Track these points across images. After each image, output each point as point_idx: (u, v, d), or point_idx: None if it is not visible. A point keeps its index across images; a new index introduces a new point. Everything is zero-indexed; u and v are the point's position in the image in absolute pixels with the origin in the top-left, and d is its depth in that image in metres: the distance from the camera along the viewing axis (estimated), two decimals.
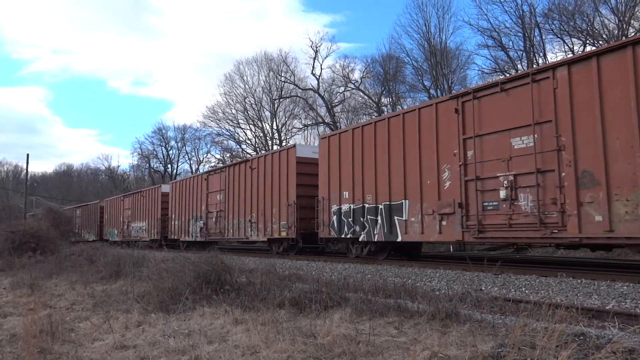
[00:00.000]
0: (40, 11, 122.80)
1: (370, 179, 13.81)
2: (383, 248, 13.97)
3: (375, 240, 13.48)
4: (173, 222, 26.66)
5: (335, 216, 14.93)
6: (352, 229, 14.25)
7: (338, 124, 38.60)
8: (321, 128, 40.73)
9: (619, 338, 3.80)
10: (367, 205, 13.81)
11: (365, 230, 13.78)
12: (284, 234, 17.42)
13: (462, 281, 9.28)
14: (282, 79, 44.55)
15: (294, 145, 17.70)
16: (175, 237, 26.17)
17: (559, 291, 7.74)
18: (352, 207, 14.33)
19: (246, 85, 46.87)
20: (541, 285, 8.24)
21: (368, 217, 13.70)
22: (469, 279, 9.39)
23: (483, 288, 8.48)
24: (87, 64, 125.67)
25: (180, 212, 25.94)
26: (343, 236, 14.70)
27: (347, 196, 14.56)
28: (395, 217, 12.88)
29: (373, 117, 34.21)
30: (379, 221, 13.32)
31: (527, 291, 8.00)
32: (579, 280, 8.35)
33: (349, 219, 14.37)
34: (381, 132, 13.64)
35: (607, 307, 6.43)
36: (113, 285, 9.84)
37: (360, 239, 13.99)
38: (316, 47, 41.99)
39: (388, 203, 13.08)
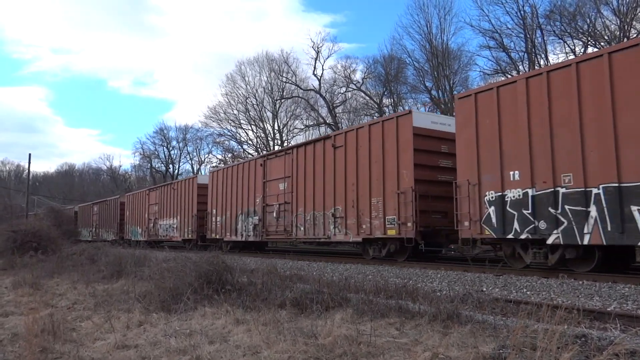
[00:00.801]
0: (40, 11, 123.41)
1: (568, 149, 9.31)
2: (592, 254, 9.38)
3: (587, 242, 8.89)
4: (214, 219, 22.44)
5: (493, 207, 10.52)
6: (532, 226, 9.76)
7: (339, 125, 38.61)
8: (322, 129, 40.77)
9: (620, 340, 3.79)
10: (563, 190, 9.33)
11: (562, 228, 9.23)
12: (392, 233, 13.05)
13: (464, 282, 9.28)
14: (284, 79, 44.67)
15: (410, 112, 13.21)
16: (217, 236, 21.77)
17: (560, 292, 7.73)
18: (529, 194, 9.86)
19: (248, 86, 47.00)
20: (542, 287, 8.23)
21: (566, 207, 9.23)
22: (470, 280, 9.38)
23: (484, 289, 8.48)
24: (87, 63, 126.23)
25: (224, 206, 21.65)
26: (510, 236, 10.22)
27: (516, 177, 10.15)
28: (635, 207, 8.24)
29: (375, 117, 34.23)
30: (593, 214, 8.80)
31: (528, 292, 8.00)
32: (580, 282, 8.34)
33: (525, 211, 9.91)
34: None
35: (608, 309, 6.42)
36: (114, 285, 9.85)
37: (549, 241, 9.46)
38: (318, 48, 42.09)
39: (616, 184, 8.49)
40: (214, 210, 22.50)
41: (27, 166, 51.29)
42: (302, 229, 16.44)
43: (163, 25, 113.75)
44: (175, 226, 26.53)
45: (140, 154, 65.42)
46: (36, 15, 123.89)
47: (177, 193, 26.52)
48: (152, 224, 29.55)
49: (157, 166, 64.79)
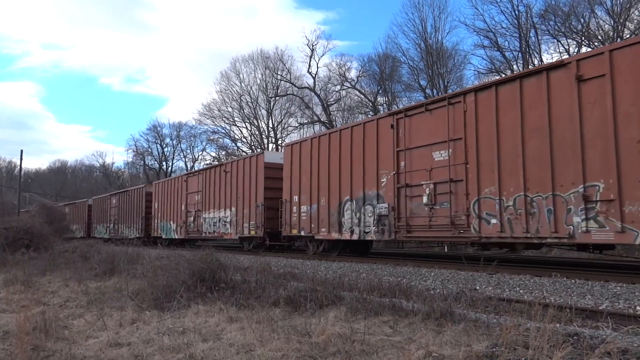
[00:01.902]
0: (29, 6, 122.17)
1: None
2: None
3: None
4: (295, 209, 16.63)
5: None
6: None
7: (334, 123, 38.60)
8: (317, 127, 40.75)
9: (612, 338, 3.82)
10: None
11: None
12: None
13: (457, 280, 9.30)
14: (278, 77, 44.57)
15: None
16: (302, 233, 16.21)
17: (553, 291, 7.77)
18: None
19: (242, 83, 46.84)
20: (535, 285, 8.27)
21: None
22: (464, 279, 9.41)
23: (477, 288, 8.51)
24: (78, 59, 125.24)
25: (314, 191, 15.68)
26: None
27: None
28: None
29: (369, 115, 34.26)
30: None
31: (521, 291, 8.03)
32: (572, 281, 8.39)
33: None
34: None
35: (600, 308, 6.46)
36: (107, 283, 9.81)
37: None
38: (312, 46, 42.02)
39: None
40: (296, 197, 16.62)
41: (18, 163, 50.94)
42: (495, 221, 10.36)
43: (155, 22, 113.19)
44: (228, 220, 20.78)
45: (134, 151, 65.09)
46: (26, 10, 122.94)
47: (231, 177, 20.76)
48: (191, 218, 23.91)
49: (150, 163, 64.56)
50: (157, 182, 29.76)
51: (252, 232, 18.96)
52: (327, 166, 15.32)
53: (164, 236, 27.00)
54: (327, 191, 15.16)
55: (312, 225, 15.76)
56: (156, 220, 28.21)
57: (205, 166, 27.58)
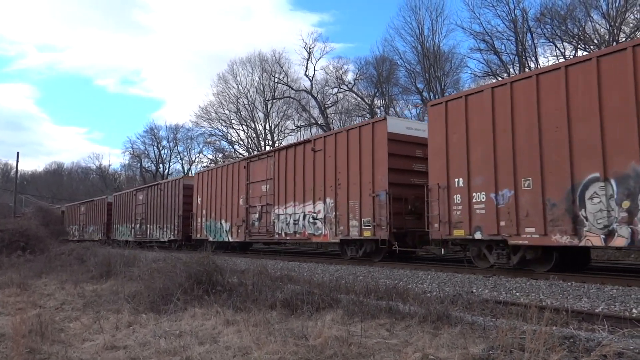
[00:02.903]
0: (23, 7, 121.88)
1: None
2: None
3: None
4: (461, 198, 11.12)
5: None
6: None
7: (331, 126, 38.64)
8: (314, 129, 40.79)
9: (608, 341, 3.83)
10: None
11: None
12: None
13: (454, 283, 9.32)
14: (276, 79, 44.58)
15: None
16: (486, 236, 10.55)
17: (549, 294, 7.79)
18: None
19: (239, 86, 46.85)
20: (532, 288, 8.29)
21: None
22: (460, 281, 9.43)
23: (474, 290, 8.52)
24: (73, 61, 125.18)
25: (505, 171, 10.27)
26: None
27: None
28: None
29: (366, 118, 34.32)
30: None
31: (517, 294, 8.05)
32: (569, 283, 8.41)
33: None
34: None
35: (596, 310, 6.49)
36: (103, 285, 9.78)
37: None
38: (309, 49, 42.07)
39: None
40: (459, 180, 11.10)
41: (14, 164, 50.75)
42: None
43: (150, 23, 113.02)
44: (319, 216, 15.46)
45: (130, 154, 65.02)
46: (19, 12, 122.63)
47: (325, 156, 15.33)
48: (255, 215, 18.69)
49: (147, 166, 64.49)
50: (201, 172, 24.52)
51: (367, 233, 13.57)
52: (537, 124, 9.68)
53: (211, 239, 21.41)
54: (537, 168, 9.60)
55: (503, 223, 10.15)
56: (199, 219, 22.88)
57: (280, 145, 21.39)
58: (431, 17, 33.87)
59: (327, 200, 15.10)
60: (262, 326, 5.42)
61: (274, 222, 17.55)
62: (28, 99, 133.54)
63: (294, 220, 16.61)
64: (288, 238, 17.21)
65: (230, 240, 20.47)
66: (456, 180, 11.24)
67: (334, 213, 14.79)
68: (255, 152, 34.40)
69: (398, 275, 10.81)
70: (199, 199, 23.23)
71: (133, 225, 30.38)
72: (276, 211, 17.49)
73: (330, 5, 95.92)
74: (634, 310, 6.49)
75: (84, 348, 5.31)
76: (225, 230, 20.79)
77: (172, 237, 25.24)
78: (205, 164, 52.23)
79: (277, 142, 44.42)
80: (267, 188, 18.16)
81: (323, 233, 15.31)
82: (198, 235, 23.00)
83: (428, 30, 33.85)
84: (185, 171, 57.40)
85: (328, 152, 15.28)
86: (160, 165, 62.97)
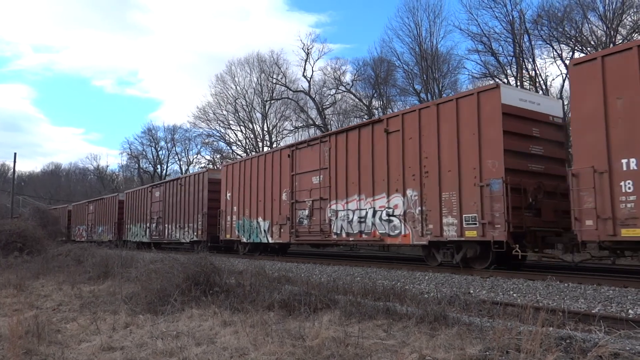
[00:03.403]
0: (20, 7, 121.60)
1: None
2: None
3: None
4: None
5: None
6: None
7: (329, 127, 38.66)
8: (312, 130, 40.80)
9: (604, 342, 3.84)
10: None
11: None
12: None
13: (451, 284, 9.33)
14: (274, 80, 44.59)
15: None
16: None
17: (546, 295, 7.81)
18: None
19: (237, 87, 46.84)
20: (529, 289, 8.30)
21: None
22: (458, 282, 9.44)
23: (471, 291, 8.54)
24: (70, 62, 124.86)
25: None
26: None
27: None
28: None
29: (364, 119, 34.34)
30: None
31: (514, 294, 8.06)
32: (565, 284, 8.43)
33: None
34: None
35: (593, 311, 6.50)
36: (101, 286, 9.76)
37: None
38: (307, 50, 42.10)
39: None
40: (630, 162, 8.44)
41: (11, 165, 50.59)
42: None
43: (147, 23, 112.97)
44: (397, 212, 12.59)
45: (128, 154, 64.94)
46: (16, 12, 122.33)
47: (403, 138, 12.61)
48: (305, 212, 15.92)
49: (144, 166, 64.42)
50: (231, 163, 21.31)
51: (471, 234, 10.79)
52: None
53: (244, 239, 19.02)
54: None
55: None
56: (230, 218, 20.09)
57: (334, 130, 18.96)
58: (429, 18, 33.97)
59: (408, 192, 12.24)
60: (260, 327, 5.42)
61: (330, 220, 14.74)
62: (25, 99, 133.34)
63: (359, 218, 13.67)
64: (351, 239, 14.20)
65: (270, 241, 17.62)
66: (624, 161, 8.28)
67: (418, 208, 11.90)
68: (303, 138, 29.21)
69: (395, 276, 10.82)
70: (229, 194, 20.28)
71: (148, 225, 27.67)
72: (333, 207, 14.61)
73: (327, 6, 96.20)
74: (630, 311, 6.51)
75: (81, 349, 5.30)
76: (263, 230, 17.92)
77: (194, 238, 22.51)
78: (202, 165, 52.23)
79: (275, 142, 44.45)
80: (321, 179, 15.32)
81: (402, 233, 12.36)
82: (227, 236, 20.20)
83: (426, 31, 33.95)
84: (184, 172, 57.29)
85: (408, 133, 12.42)
86: (158, 166, 62.96)
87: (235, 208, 19.86)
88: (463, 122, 11.14)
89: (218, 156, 49.53)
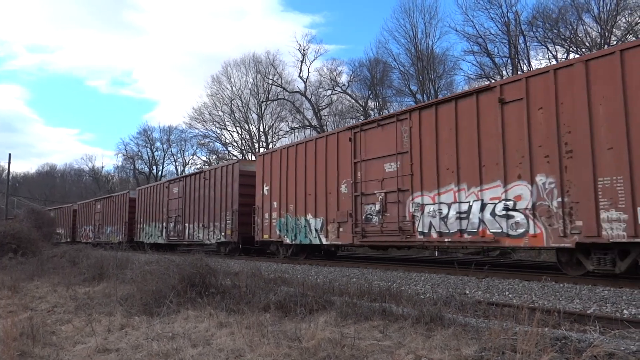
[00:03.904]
0: (13, 7, 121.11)
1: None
2: None
3: None
4: None
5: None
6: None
7: (325, 127, 38.67)
8: (307, 131, 40.80)
9: (599, 342, 3.86)
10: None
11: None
12: None
13: (447, 285, 9.34)
14: (270, 81, 44.60)
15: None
16: None
17: (541, 295, 7.83)
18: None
19: (233, 87, 46.83)
20: (524, 290, 8.33)
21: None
22: (454, 283, 9.45)
23: (467, 292, 8.55)
24: (63, 61, 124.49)
25: None
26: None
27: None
28: None
29: (360, 120, 34.37)
30: None
31: (510, 295, 8.08)
32: (561, 285, 8.45)
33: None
34: None
35: (588, 311, 6.53)
36: (96, 288, 9.73)
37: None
38: (304, 51, 42.12)
39: None
40: None
41: (5, 166, 50.33)
42: None
43: (142, 23, 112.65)
44: (522, 206, 9.87)
45: (124, 155, 64.76)
46: (9, 12, 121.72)
47: (523, 111, 9.95)
48: (374, 207, 13.30)
49: (140, 167, 64.28)
50: (268, 152, 17.89)
51: None
52: None
53: (288, 240, 16.04)
54: None
55: None
56: (268, 215, 17.22)
57: (415, 105, 16.48)
58: (425, 19, 34.03)
59: (539, 179, 9.55)
60: (256, 328, 5.41)
61: (413, 217, 12.05)
62: (18, 100, 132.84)
63: (459, 213, 10.98)
64: (447, 240, 11.28)
65: (324, 242, 14.70)
66: None
67: (557, 200, 9.20)
68: (364, 119, 27.21)
69: (391, 277, 10.82)
70: (266, 188, 17.41)
71: (165, 224, 24.98)
72: (417, 200, 11.99)
73: (322, 6, 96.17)
74: (625, 312, 6.53)
75: (76, 351, 5.28)
76: (315, 229, 14.99)
77: (222, 239, 19.92)
78: (198, 166, 52.13)
79: (271, 143, 44.42)
80: (397, 166, 12.63)
81: (530, 232, 9.64)
82: (265, 236, 17.30)
83: (422, 32, 34.01)
84: (179, 173, 57.12)
85: (537, 102, 9.70)
86: (154, 167, 62.82)
87: (275, 204, 16.95)
88: (635, 82, 8.33)
89: (214, 157, 49.48)
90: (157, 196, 26.57)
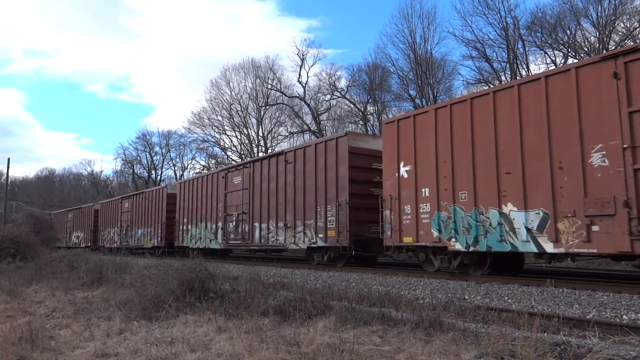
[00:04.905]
0: (10, 12, 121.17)
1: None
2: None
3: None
4: None
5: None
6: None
7: (324, 132, 38.72)
8: (307, 136, 40.85)
9: (599, 347, 3.86)
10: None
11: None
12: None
13: (446, 290, 9.34)
14: (269, 86, 44.69)
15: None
16: None
17: (540, 300, 7.83)
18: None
19: (232, 92, 46.88)
20: (523, 295, 8.32)
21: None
22: (453, 288, 9.45)
23: (466, 297, 8.54)
24: (60, 66, 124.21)
25: None
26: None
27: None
28: None
29: (359, 125, 34.44)
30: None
31: (509, 300, 8.07)
32: (560, 290, 8.45)
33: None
34: None
35: (587, 317, 6.52)
36: (95, 292, 9.72)
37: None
38: (302, 55, 42.22)
39: None
40: None
41: (4, 171, 50.27)
42: None
43: (139, 28, 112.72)
44: None
45: (122, 160, 64.71)
46: (5, 16, 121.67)
47: None
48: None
49: (139, 172, 64.25)
50: (421, 112, 12.28)
51: None
52: None
53: (458, 245, 10.78)
54: None
55: None
56: (411, 208, 11.95)
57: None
58: (423, 24, 34.11)
59: None
60: (255, 333, 5.41)
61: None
62: (16, 104, 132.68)
63: None
64: None
65: (551, 250, 9.24)
66: None
67: None
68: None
69: (391, 281, 10.81)
70: (405, 169, 12.22)
71: (221, 224, 19.89)
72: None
73: (318, 11, 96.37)
74: (624, 317, 6.53)
75: (75, 356, 5.27)
76: (524, 228, 9.66)
77: (318, 242, 14.73)
78: (197, 170, 52.10)
79: (271, 148, 44.45)
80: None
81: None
82: (407, 239, 11.94)
83: (420, 37, 34.08)
84: (178, 177, 57.12)
85: None
86: (153, 172, 62.80)
87: (426, 191, 11.66)
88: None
89: (213, 162, 49.50)
90: (208, 189, 21.33)
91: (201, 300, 7.01)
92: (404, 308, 6.44)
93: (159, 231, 25.31)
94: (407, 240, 12.04)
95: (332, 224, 14.34)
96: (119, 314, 7.08)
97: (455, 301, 7.42)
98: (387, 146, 12.81)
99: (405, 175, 12.27)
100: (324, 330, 5.36)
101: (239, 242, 18.79)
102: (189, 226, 22.84)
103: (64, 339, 6.14)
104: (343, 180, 14.08)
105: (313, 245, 15.07)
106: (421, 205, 11.79)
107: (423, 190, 11.79)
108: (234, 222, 19.19)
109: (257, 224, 17.74)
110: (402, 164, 12.38)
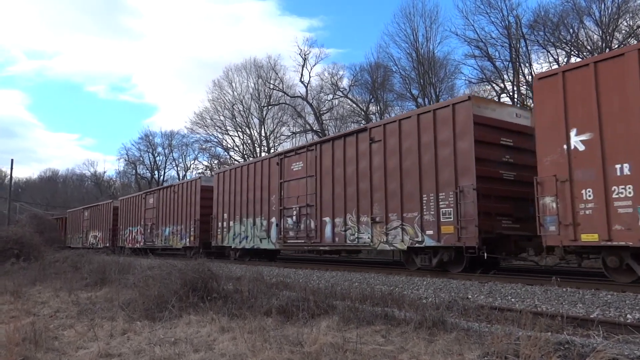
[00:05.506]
0: (12, 13, 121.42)
1: None
2: None
3: None
4: None
5: None
6: None
7: (326, 132, 38.71)
8: (309, 135, 40.84)
9: (603, 347, 3.84)
10: None
11: None
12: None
13: (449, 289, 9.32)
14: (271, 86, 44.70)
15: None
16: None
17: (544, 300, 7.81)
18: None
19: (235, 92, 46.92)
20: (527, 294, 8.30)
21: None
22: (456, 287, 9.43)
23: (470, 296, 8.52)
24: (62, 67, 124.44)
25: None
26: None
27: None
28: None
29: (361, 124, 34.36)
30: None
31: (513, 299, 8.06)
32: (564, 289, 8.43)
33: None
34: None
35: (591, 316, 6.50)
36: (98, 293, 9.73)
37: None
38: (304, 55, 42.22)
39: None
40: None
41: (7, 171, 50.41)
42: None
43: (139, 29, 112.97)
44: None
45: (125, 160, 64.84)
46: (8, 18, 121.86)
47: None
48: None
49: (142, 172, 64.36)
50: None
51: None
52: None
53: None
54: None
55: None
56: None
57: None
58: (425, 23, 34.06)
59: None
60: (258, 333, 5.40)
61: None
62: (19, 105, 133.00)
63: None
64: None
65: None
66: None
67: None
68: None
69: (394, 281, 10.80)
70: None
71: (275, 219, 16.84)
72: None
73: (319, 10, 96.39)
74: (628, 316, 6.51)
75: (78, 356, 5.28)
76: None
77: (426, 240, 11.49)
78: (200, 171, 52.15)
79: (273, 148, 44.48)
80: None
81: None
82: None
83: (422, 37, 34.04)
84: (181, 177, 57.14)
85: None
86: (156, 172, 62.90)
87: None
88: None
89: (216, 162, 49.56)
90: (257, 179, 18.11)
91: (204, 301, 7.01)
92: (407, 308, 6.43)
93: (192, 229, 22.26)
94: (588, 238, 8.78)
95: (449, 217, 11.08)
96: (123, 315, 7.09)
97: (458, 300, 7.41)
98: (545, 109, 9.57)
99: (581, 147, 8.99)
100: (327, 330, 5.36)
101: (302, 240, 15.43)
102: (231, 223, 19.45)
103: (68, 339, 6.16)
104: (465, 160, 10.84)
105: (417, 245, 11.82)
106: (615, 188, 8.47)
107: (617, 167, 8.48)
108: (293, 217, 15.88)
109: (327, 219, 14.46)
110: (573, 132, 9.12)
